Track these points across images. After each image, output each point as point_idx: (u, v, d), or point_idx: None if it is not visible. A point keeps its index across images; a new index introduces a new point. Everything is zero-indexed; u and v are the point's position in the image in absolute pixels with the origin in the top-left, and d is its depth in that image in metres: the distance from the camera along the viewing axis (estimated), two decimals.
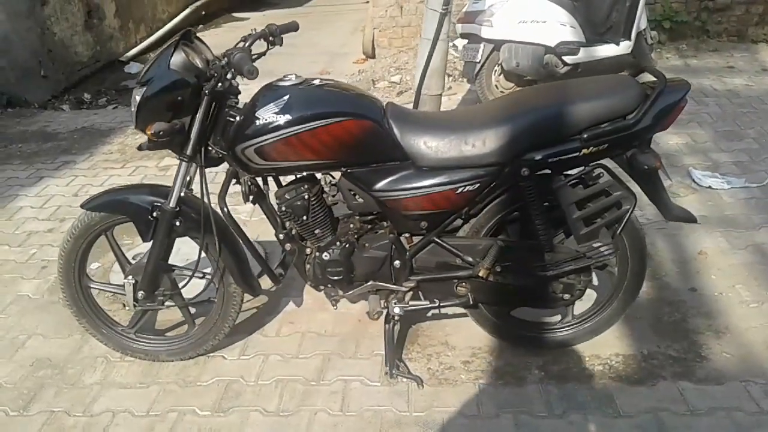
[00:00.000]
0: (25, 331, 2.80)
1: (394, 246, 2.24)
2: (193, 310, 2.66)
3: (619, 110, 2.00)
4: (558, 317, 2.47)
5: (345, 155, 2.10)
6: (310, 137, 2.04)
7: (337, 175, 2.22)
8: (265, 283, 2.46)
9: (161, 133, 2.05)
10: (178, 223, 2.25)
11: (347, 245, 2.24)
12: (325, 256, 2.24)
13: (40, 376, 2.51)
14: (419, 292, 2.34)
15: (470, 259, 2.22)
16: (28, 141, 5.30)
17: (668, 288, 2.79)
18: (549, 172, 2.08)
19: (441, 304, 2.34)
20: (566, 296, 2.28)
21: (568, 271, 2.21)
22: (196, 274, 2.34)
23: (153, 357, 2.53)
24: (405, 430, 2.15)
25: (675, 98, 2.03)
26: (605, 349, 2.44)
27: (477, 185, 2.10)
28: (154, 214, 2.23)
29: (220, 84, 2.07)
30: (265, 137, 2.04)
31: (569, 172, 2.13)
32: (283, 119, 2.02)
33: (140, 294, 2.34)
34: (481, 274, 2.18)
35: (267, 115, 2.03)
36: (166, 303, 2.43)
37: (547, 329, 2.45)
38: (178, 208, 2.22)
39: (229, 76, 2.07)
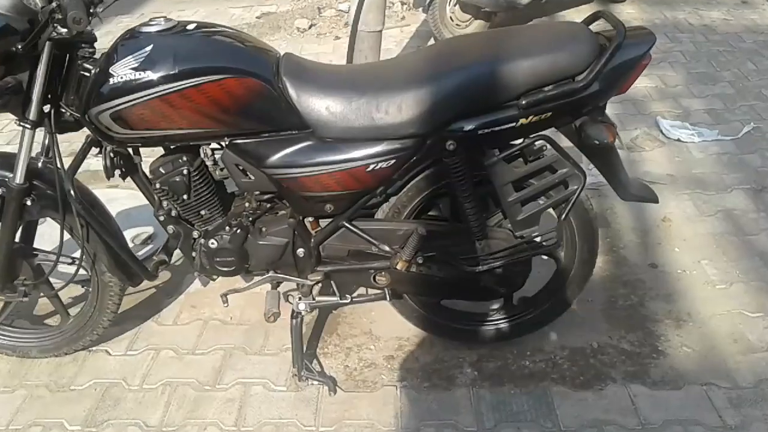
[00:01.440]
0: None
1: (296, 231, 1.84)
2: (81, 290, 2.27)
3: (565, 69, 1.59)
4: (497, 307, 2.11)
5: (226, 122, 1.67)
6: (180, 99, 1.61)
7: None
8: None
9: None
10: (30, 202, 1.83)
11: (239, 230, 1.84)
12: (212, 243, 1.85)
13: None
14: (332, 284, 1.97)
15: (387, 247, 1.83)
16: None
17: (626, 264, 2.45)
18: (480, 145, 1.68)
19: (355, 298, 1.97)
20: (502, 289, 1.93)
21: (504, 261, 1.85)
22: (63, 260, 1.94)
23: (22, 353, 2.14)
24: None
25: (636, 53, 1.63)
26: (549, 342, 2.11)
27: (392, 161, 1.70)
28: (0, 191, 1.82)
29: (65, 30, 1.62)
30: (122, 99, 1.61)
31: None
32: (144, 76, 1.59)
33: None
34: (398, 266, 1.81)
35: (123, 71, 1.59)
36: (31, 293, 2.03)
37: (484, 321, 2.10)
38: (27, 184, 1.80)
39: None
